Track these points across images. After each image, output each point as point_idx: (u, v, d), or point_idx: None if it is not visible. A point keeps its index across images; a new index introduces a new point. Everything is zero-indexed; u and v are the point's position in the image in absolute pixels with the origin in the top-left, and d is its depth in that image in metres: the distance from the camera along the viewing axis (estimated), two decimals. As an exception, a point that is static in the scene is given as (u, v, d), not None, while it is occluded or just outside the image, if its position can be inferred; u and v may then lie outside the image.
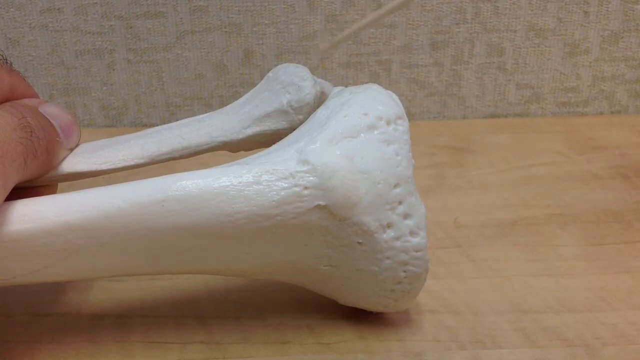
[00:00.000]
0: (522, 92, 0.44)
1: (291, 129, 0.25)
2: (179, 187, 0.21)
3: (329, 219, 0.22)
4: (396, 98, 0.24)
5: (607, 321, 0.25)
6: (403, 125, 0.23)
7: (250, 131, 0.25)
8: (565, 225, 0.32)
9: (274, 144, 0.24)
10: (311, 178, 0.21)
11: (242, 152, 0.26)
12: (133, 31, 0.41)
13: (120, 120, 0.44)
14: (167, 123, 0.27)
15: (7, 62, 0.23)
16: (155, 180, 0.22)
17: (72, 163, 0.24)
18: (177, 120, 0.27)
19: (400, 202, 0.22)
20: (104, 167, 0.24)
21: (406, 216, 0.22)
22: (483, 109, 0.45)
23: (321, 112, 0.24)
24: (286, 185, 0.21)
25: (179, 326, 0.25)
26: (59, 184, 0.25)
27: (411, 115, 0.45)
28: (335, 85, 0.26)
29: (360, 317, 0.25)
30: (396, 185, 0.22)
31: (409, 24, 0.42)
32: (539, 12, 0.42)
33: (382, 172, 0.22)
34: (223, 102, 0.44)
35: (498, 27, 0.42)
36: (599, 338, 0.24)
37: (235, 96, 0.44)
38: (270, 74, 0.26)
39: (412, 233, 0.22)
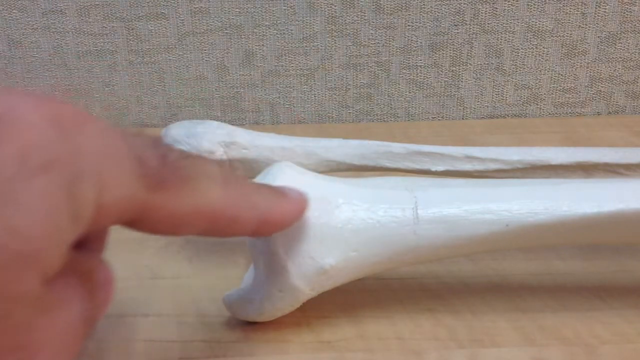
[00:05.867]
0: (520, 93, 0.45)
1: None
2: None
3: None
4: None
5: (605, 320, 0.25)
6: None
7: None
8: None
9: None
10: None
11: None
12: (135, 32, 0.42)
13: (122, 121, 0.44)
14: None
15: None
16: None
17: None
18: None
19: None
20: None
21: None
22: (481, 110, 0.45)
23: None
24: None
25: (180, 325, 0.25)
26: None
27: (410, 116, 0.45)
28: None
29: (360, 316, 0.25)
30: None
31: (408, 25, 0.42)
32: (537, 13, 0.42)
33: None
34: (224, 103, 0.44)
35: (496, 28, 0.43)
36: (597, 337, 0.24)
37: (237, 97, 0.44)
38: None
39: None
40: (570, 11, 0.42)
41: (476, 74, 0.44)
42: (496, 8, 0.42)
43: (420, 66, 0.44)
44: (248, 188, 0.20)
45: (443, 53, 0.43)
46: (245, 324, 0.25)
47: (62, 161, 0.14)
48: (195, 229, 0.19)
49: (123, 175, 0.16)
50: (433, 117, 0.45)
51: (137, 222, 0.17)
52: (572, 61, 0.44)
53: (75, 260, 0.16)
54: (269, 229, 0.21)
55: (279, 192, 0.21)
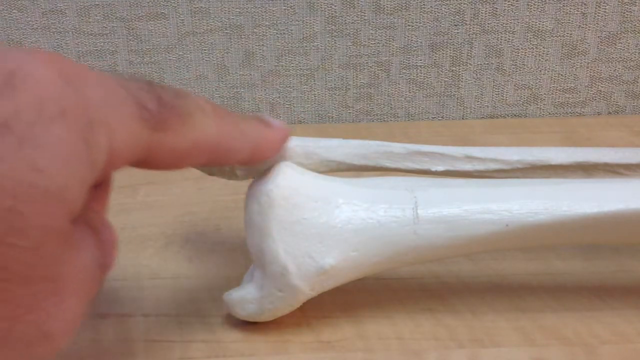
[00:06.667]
0: (520, 93, 0.45)
1: None
2: None
3: None
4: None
5: (605, 320, 0.25)
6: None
7: None
8: (563, 225, 0.32)
9: None
10: None
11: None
12: (135, 32, 0.42)
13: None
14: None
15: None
16: None
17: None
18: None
19: None
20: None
21: None
22: (481, 110, 0.45)
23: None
24: None
25: (180, 325, 0.25)
26: None
27: (410, 116, 0.45)
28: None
29: (360, 316, 0.25)
30: None
31: (408, 25, 0.42)
32: (537, 13, 0.42)
33: None
34: (224, 103, 0.44)
35: (496, 28, 0.43)
36: (597, 337, 0.24)
37: (236, 97, 0.44)
38: None
39: None
40: (570, 11, 0.42)
41: (476, 74, 0.44)
42: (496, 8, 0.42)
43: (420, 66, 0.44)
44: (238, 119, 0.22)
45: (443, 53, 0.43)
46: (245, 324, 0.25)
47: (75, 111, 0.15)
48: (196, 161, 0.20)
49: (128, 121, 0.17)
50: (433, 117, 0.45)
51: (144, 161, 0.19)
52: (572, 61, 0.44)
53: (86, 214, 0.17)
54: (260, 156, 0.23)
55: (264, 121, 0.23)
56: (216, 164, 0.22)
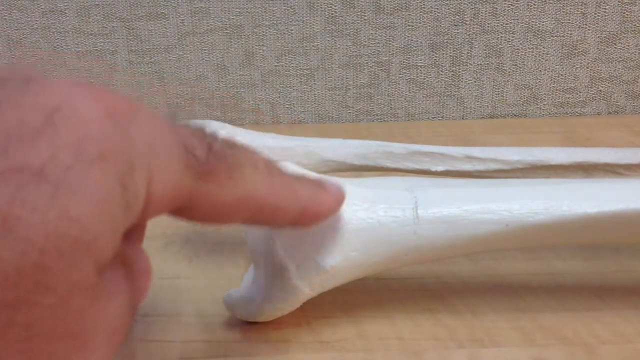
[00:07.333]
0: (520, 93, 0.45)
1: None
2: None
3: None
4: None
5: (605, 320, 0.25)
6: None
7: None
8: (563, 225, 0.32)
9: None
10: None
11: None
12: (135, 32, 0.42)
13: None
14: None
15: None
16: None
17: None
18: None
19: None
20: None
21: None
22: (481, 110, 0.45)
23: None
24: None
25: (180, 325, 0.25)
26: None
27: (410, 116, 0.45)
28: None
29: (360, 316, 0.25)
30: None
31: (408, 25, 0.42)
32: (537, 13, 0.42)
33: None
34: (224, 103, 0.44)
35: (496, 28, 0.43)
36: (597, 337, 0.24)
37: (236, 97, 0.44)
38: None
39: None
40: (570, 11, 0.42)
41: (476, 74, 0.44)
42: (496, 8, 0.42)
43: (420, 66, 0.44)
44: (290, 178, 0.20)
45: (443, 53, 0.43)
46: (245, 324, 0.25)
47: (116, 153, 0.14)
48: (240, 218, 0.19)
49: (171, 165, 0.16)
50: (433, 117, 0.45)
51: (184, 210, 0.17)
52: (572, 61, 0.44)
53: (121, 251, 0.16)
54: (309, 220, 0.21)
55: (319, 184, 0.22)
56: (260, 223, 0.20)
